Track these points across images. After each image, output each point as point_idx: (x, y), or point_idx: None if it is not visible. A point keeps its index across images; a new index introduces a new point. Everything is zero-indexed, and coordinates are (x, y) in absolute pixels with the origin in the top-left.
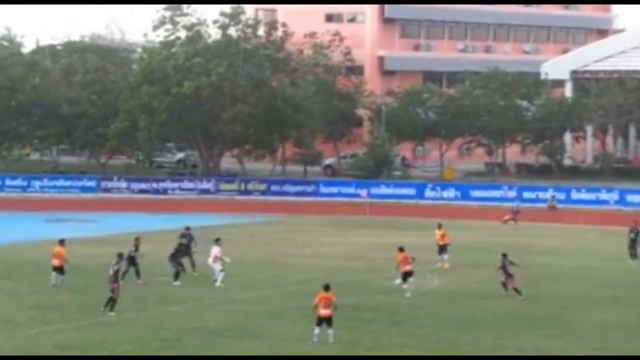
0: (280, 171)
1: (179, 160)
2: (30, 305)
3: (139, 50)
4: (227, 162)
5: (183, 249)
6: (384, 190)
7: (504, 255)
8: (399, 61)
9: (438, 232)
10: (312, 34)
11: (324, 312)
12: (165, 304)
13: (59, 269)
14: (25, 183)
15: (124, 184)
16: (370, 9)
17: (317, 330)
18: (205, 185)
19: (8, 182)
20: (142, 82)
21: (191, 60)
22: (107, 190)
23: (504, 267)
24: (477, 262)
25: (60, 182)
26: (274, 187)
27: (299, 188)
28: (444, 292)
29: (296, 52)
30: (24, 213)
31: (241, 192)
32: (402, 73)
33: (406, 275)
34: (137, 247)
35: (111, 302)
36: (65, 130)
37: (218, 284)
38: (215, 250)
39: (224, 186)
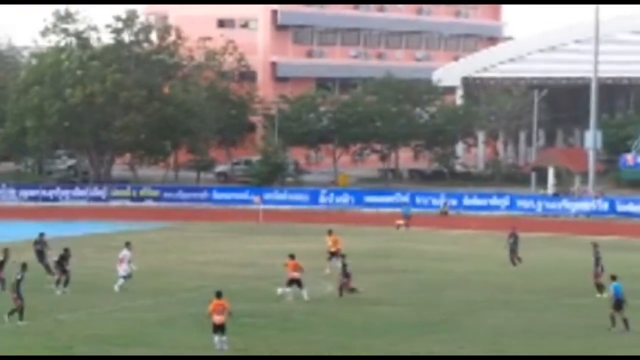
0: (173, 178)
1: (70, 167)
2: None
3: (26, 54)
4: (120, 168)
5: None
6: (277, 196)
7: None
8: (291, 67)
9: (329, 238)
10: (206, 39)
11: (217, 318)
12: (56, 312)
13: None
14: None
15: (12, 191)
16: (263, 15)
17: (216, 337)
18: (97, 192)
19: None
20: (32, 84)
21: (86, 64)
22: None
23: (344, 267)
24: (372, 268)
25: None
26: (166, 194)
27: (192, 194)
28: (337, 299)
29: (188, 57)
30: None
31: (133, 199)
32: (295, 79)
33: (292, 282)
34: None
35: (18, 311)
36: None
37: (116, 288)
38: (124, 253)
39: (116, 193)
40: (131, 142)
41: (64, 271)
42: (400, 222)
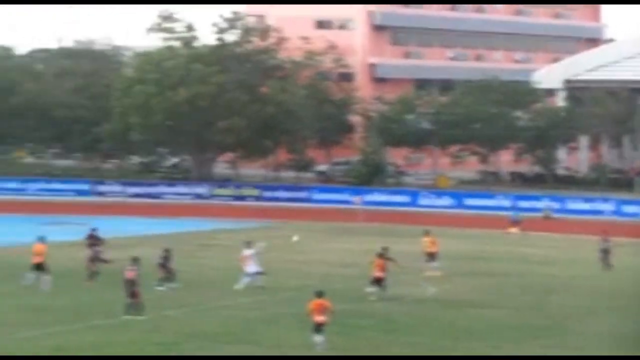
0: (273, 177)
1: (173, 165)
2: (27, 307)
3: (127, 54)
4: (222, 167)
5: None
6: (377, 197)
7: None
8: (390, 69)
9: (426, 240)
10: (306, 39)
11: (319, 318)
12: (162, 308)
13: (40, 267)
14: (20, 186)
15: (118, 188)
16: (361, 17)
17: (316, 337)
18: (199, 190)
19: (2, 184)
20: (137, 82)
21: (190, 65)
22: (100, 193)
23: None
24: (473, 270)
25: (55, 186)
26: (267, 193)
27: (292, 194)
28: (439, 301)
29: (287, 58)
30: (19, 216)
31: (235, 198)
32: (393, 80)
33: (376, 281)
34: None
35: (137, 307)
36: (59, 133)
37: (240, 286)
38: (247, 253)
39: (218, 191)
40: (233, 142)
41: (168, 270)
42: (512, 229)
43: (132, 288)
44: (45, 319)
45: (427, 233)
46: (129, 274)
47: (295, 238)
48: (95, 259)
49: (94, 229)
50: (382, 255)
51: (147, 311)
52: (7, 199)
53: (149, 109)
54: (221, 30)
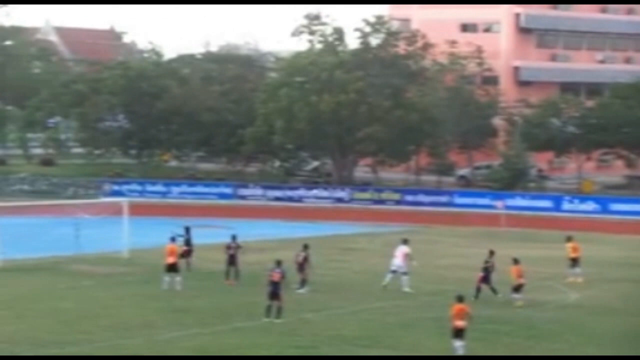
0: (414, 181)
1: (314, 169)
2: (169, 309)
3: (272, 58)
4: (362, 170)
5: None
6: (519, 202)
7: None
8: (535, 72)
9: (568, 245)
10: (452, 43)
11: (459, 323)
12: (301, 312)
13: (173, 267)
14: (164, 189)
15: (259, 191)
16: (506, 19)
17: (456, 342)
18: (340, 193)
19: (149, 187)
20: (281, 86)
21: (332, 71)
22: (243, 197)
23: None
24: (617, 277)
25: (199, 189)
26: (407, 197)
27: (433, 198)
28: (582, 307)
29: (432, 62)
30: (163, 218)
31: (375, 202)
32: (538, 84)
33: (518, 288)
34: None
35: (279, 310)
36: (203, 137)
37: (406, 289)
38: (403, 249)
39: (358, 195)
40: (374, 148)
41: (303, 271)
42: None
43: (275, 291)
44: (187, 320)
45: (570, 239)
46: (275, 276)
47: (414, 263)
48: (231, 262)
49: (233, 235)
50: (518, 261)
51: (286, 314)
52: (152, 202)
53: (292, 113)
54: (365, 35)
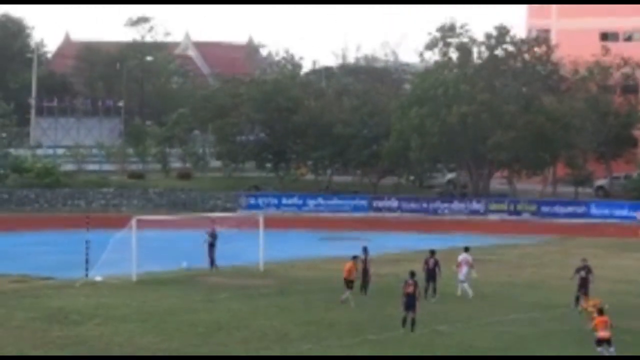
0: (550, 192)
1: (449, 181)
2: (303, 321)
3: (410, 72)
4: (497, 182)
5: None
6: None
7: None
8: None
9: None
10: (591, 52)
11: (603, 334)
12: (435, 323)
13: (350, 284)
14: (300, 202)
15: (394, 204)
16: None
17: (599, 348)
18: (475, 205)
19: (285, 200)
20: (413, 103)
21: (458, 87)
22: (378, 209)
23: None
24: None
25: (334, 201)
26: (544, 208)
27: (569, 209)
28: None
29: (572, 71)
30: (298, 231)
31: (510, 213)
32: None
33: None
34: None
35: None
36: (338, 150)
37: (458, 293)
38: (464, 257)
39: (494, 207)
40: (508, 157)
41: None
42: None
43: (410, 302)
44: (321, 333)
45: None
46: (409, 288)
47: (184, 264)
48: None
49: (365, 247)
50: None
51: (420, 326)
52: (288, 215)
53: (425, 129)
54: (490, 47)
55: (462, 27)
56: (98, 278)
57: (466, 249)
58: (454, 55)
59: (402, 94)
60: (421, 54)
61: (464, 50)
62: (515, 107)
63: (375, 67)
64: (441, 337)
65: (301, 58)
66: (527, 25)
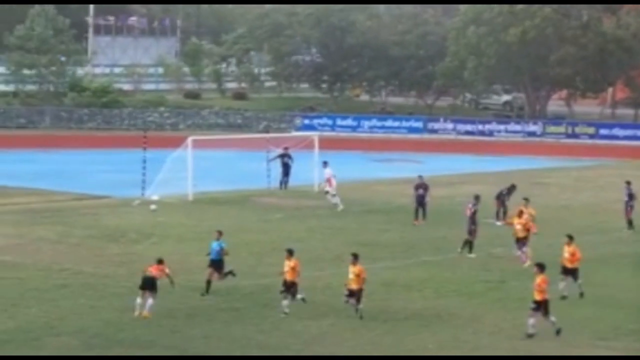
0: (609, 114)
1: (505, 103)
2: (359, 242)
3: None
4: (555, 104)
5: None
6: None
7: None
8: None
9: None
10: None
11: None
12: (491, 246)
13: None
14: (355, 123)
15: (450, 125)
16: None
17: None
18: (532, 127)
19: (339, 122)
20: (468, 23)
21: (514, 7)
22: (433, 131)
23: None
24: None
25: (389, 123)
26: (602, 131)
27: (628, 132)
28: None
29: None
30: (352, 152)
31: (568, 136)
32: None
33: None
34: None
35: (468, 244)
36: (393, 71)
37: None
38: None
39: (551, 129)
40: (567, 78)
41: (503, 206)
42: None
43: (471, 226)
44: (375, 254)
45: None
46: (468, 210)
47: (153, 207)
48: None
49: (420, 175)
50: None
51: (477, 249)
52: (343, 136)
53: (481, 50)
54: None
55: None
56: (155, 197)
57: (324, 163)
58: None
59: (459, 17)
60: None
61: None
62: (577, 23)
63: None
64: (497, 260)
65: None
66: None
